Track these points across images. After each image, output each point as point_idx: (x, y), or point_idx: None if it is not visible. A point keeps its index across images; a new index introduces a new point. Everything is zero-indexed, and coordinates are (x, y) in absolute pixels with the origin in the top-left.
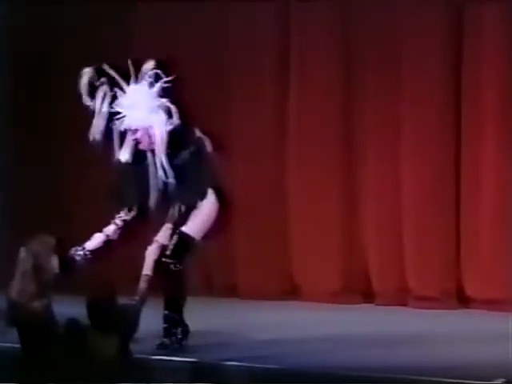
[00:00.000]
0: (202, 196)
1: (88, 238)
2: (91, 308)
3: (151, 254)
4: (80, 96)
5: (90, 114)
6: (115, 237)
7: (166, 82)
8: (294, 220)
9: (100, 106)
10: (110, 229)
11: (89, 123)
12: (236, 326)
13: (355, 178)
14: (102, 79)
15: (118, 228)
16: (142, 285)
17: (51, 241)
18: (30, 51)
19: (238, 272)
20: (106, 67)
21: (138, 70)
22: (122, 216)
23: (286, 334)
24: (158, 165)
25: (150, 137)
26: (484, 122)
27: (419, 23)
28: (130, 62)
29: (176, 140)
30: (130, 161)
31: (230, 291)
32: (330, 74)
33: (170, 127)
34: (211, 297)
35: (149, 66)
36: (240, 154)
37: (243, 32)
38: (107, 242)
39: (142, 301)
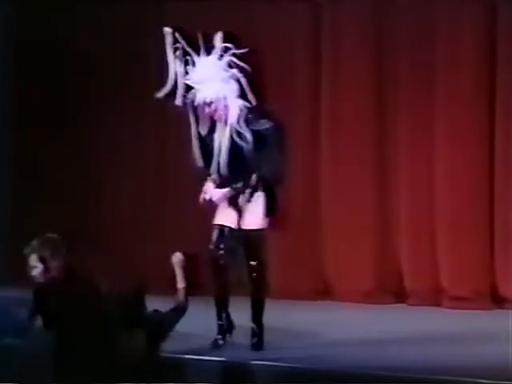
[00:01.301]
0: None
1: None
2: (120, 305)
3: (179, 262)
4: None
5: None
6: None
7: (234, 54)
8: (326, 220)
9: (179, 70)
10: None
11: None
12: (268, 326)
13: (388, 177)
14: (178, 44)
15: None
16: (181, 297)
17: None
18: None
19: (270, 272)
20: (178, 36)
21: (206, 43)
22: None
23: (318, 334)
24: (234, 135)
25: (225, 107)
26: None
27: (453, 22)
28: (200, 35)
29: (251, 113)
30: (207, 133)
31: None
32: (363, 72)
33: (244, 102)
34: (242, 296)
35: (218, 38)
36: None
37: (276, 31)
38: None
39: (181, 311)
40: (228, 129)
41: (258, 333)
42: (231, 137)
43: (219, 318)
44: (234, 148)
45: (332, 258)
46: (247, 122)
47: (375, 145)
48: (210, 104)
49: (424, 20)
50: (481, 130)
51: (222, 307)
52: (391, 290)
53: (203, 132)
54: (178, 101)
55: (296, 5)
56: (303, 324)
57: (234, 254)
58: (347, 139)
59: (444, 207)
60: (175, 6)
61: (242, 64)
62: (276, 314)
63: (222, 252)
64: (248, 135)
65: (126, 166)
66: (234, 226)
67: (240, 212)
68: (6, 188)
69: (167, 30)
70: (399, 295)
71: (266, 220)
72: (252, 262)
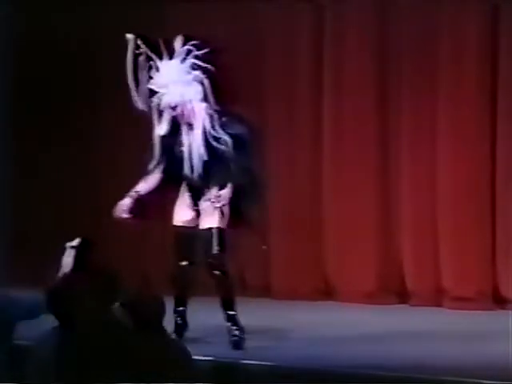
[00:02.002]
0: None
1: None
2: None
3: None
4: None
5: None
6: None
7: (196, 55)
8: (328, 220)
9: (141, 76)
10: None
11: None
12: (268, 326)
13: (390, 178)
14: (141, 49)
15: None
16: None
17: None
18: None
19: (271, 272)
20: (139, 42)
21: (169, 47)
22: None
23: (320, 334)
24: (207, 138)
25: (191, 110)
26: None
27: (456, 22)
28: (161, 40)
29: (224, 116)
30: (167, 133)
31: (264, 291)
32: (365, 72)
33: (209, 104)
34: (244, 296)
35: (179, 42)
36: (275, 154)
37: (278, 32)
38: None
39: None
40: (198, 132)
41: (234, 330)
42: (204, 140)
43: (178, 314)
44: (206, 151)
45: (334, 258)
46: (220, 126)
47: (377, 145)
48: (175, 108)
49: (426, 21)
50: (483, 131)
51: (181, 305)
52: (393, 290)
53: (168, 135)
54: (141, 105)
55: (298, 6)
56: (304, 324)
57: (197, 254)
58: (349, 139)
59: (446, 208)
60: (175, 6)
61: (204, 65)
62: (277, 314)
63: (185, 253)
64: (221, 138)
65: (126, 165)
66: (194, 226)
67: (198, 212)
68: (6, 188)
69: (129, 36)
70: (401, 296)
71: (225, 221)
72: (210, 261)
